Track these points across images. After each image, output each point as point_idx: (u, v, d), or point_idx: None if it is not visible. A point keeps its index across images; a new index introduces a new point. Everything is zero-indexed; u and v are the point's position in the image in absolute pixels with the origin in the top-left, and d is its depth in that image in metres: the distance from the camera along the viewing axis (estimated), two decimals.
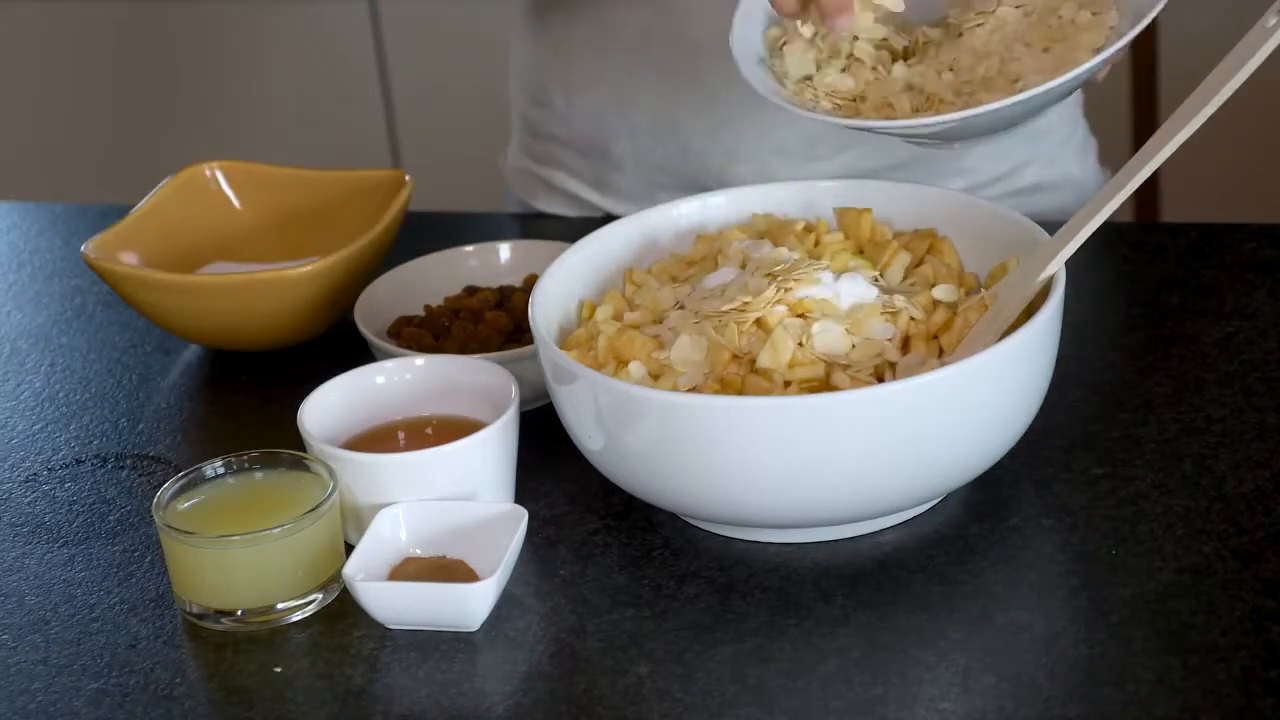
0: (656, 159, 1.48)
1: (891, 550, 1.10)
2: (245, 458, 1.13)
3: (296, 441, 1.15)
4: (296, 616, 1.09)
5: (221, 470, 1.13)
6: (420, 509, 1.11)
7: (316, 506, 1.09)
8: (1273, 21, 1.06)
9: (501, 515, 1.11)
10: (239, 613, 1.09)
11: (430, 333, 1.29)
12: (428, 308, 1.33)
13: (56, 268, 1.51)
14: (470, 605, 1.06)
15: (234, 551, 1.08)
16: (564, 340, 1.17)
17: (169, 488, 1.11)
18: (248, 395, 1.31)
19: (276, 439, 1.18)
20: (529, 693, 1.03)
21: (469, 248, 1.38)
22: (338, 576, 1.10)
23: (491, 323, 1.28)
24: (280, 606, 1.09)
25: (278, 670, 1.06)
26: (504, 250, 1.38)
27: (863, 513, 1.09)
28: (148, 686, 1.06)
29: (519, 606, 1.09)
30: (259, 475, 1.13)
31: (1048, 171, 1.51)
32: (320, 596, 1.10)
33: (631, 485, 1.11)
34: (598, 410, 1.09)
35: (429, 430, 1.18)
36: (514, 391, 1.15)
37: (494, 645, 1.06)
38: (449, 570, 1.09)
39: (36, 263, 1.52)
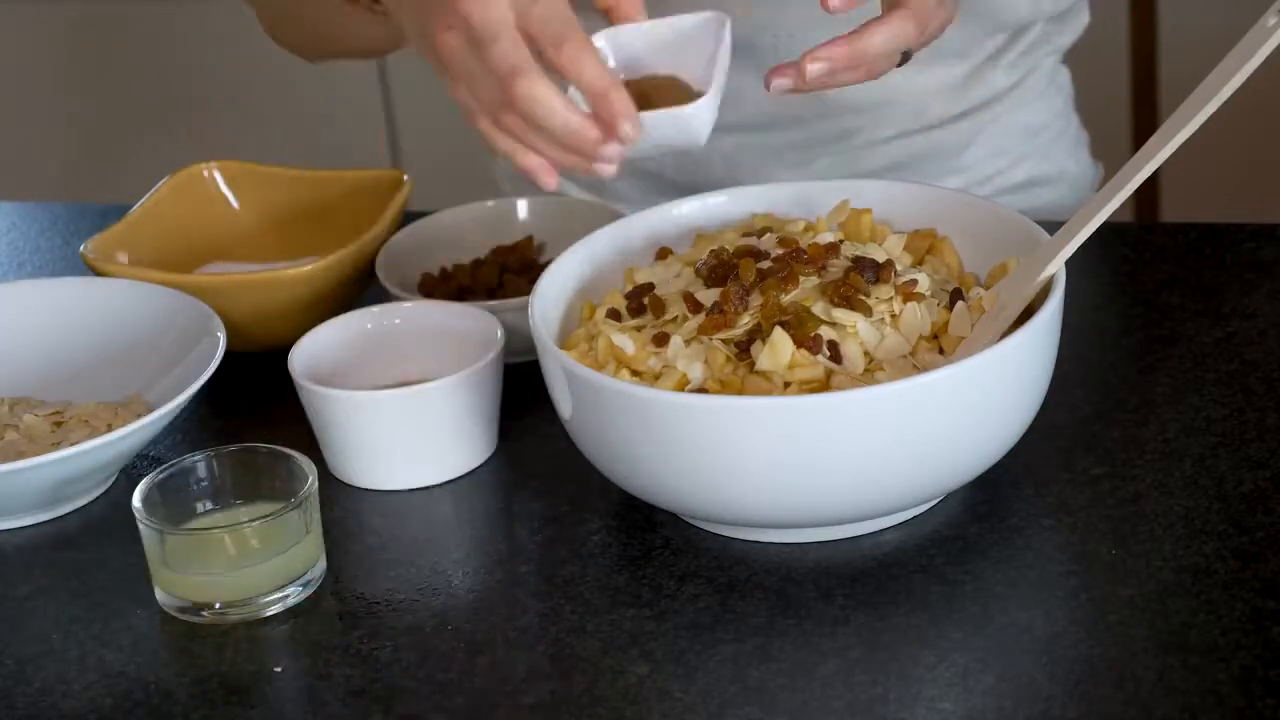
0: (655, 165, 1.48)
1: (891, 550, 1.10)
2: (225, 451, 1.13)
3: (296, 441, 1.15)
4: (275, 610, 1.09)
5: (200, 463, 1.13)
6: (622, 34, 1.11)
7: (295, 497, 1.09)
8: (1273, 21, 1.06)
9: (700, 24, 1.11)
10: (217, 605, 1.09)
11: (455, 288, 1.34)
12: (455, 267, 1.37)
13: (56, 268, 1.51)
14: (694, 125, 1.06)
15: (212, 544, 1.08)
16: (564, 340, 1.17)
17: (149, 481, 1.11)
18: (247, 395, 1.31)
19: (276, 439, 1.18)
20: (529, 693, 1.03)
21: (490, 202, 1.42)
22: (317, 569, 1.10)
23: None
24: (259, 600, 1.09)
25: (278, 670, 1.06)
26: (521, 207, 1.41)
27: (863, 513, 1.09)
28: (146, 686, 1.05)
29: (519, 606, 1.09)
30: (238, 468, 1.13)
31: (1042, 166, 1.52)
32: (299, 589, 1.10)
33: (631, 485, 1.11)
34: (598, 410, 1.08)
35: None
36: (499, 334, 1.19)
37: (494, 645, 1.06)
38: (662, 90, 1.09)
39: (36, 263, 1.52)
